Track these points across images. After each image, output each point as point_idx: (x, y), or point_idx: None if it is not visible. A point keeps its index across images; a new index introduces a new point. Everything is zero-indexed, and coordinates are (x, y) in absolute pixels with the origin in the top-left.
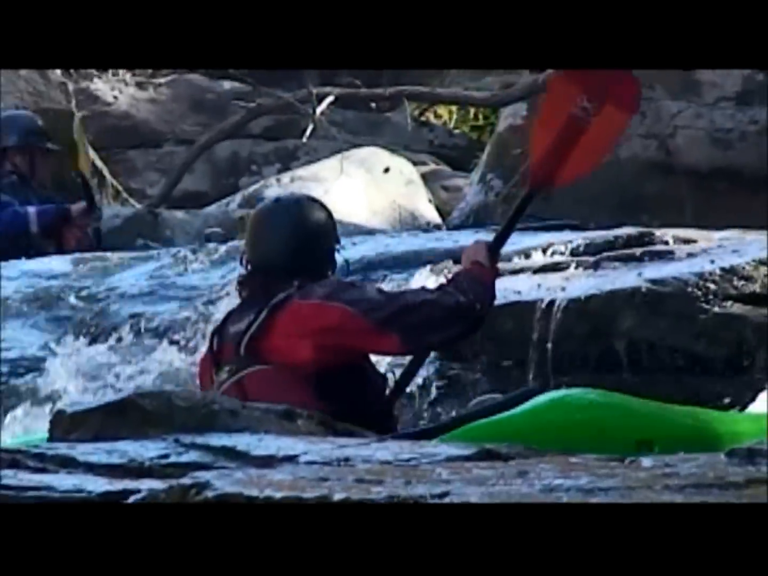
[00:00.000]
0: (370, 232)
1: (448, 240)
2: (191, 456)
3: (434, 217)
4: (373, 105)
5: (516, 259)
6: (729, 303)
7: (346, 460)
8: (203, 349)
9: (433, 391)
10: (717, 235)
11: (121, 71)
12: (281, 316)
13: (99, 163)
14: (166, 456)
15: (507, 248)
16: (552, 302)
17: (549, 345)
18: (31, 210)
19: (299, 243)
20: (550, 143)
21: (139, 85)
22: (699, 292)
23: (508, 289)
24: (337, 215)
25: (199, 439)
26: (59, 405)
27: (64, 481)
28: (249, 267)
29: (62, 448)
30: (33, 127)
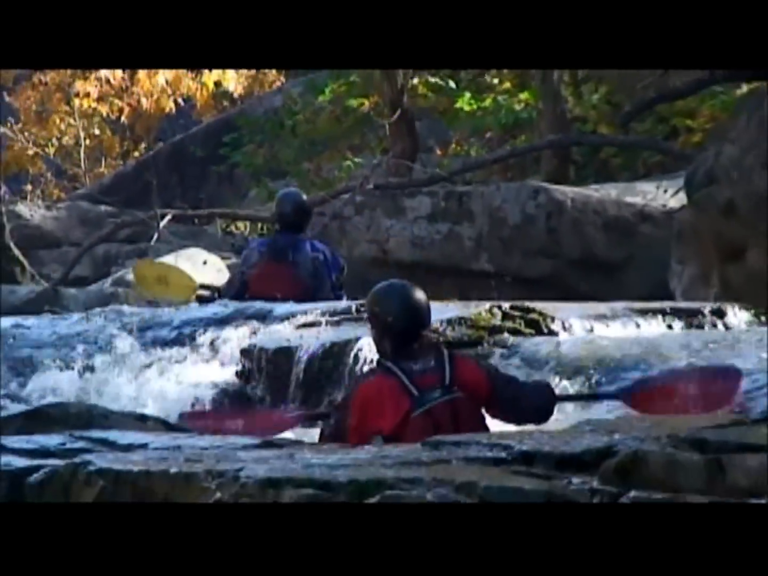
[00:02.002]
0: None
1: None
2: (80, 444)
3: None
4: (196, 221)
5: (286, 322)
6: None
7: (178, 447)
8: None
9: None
10: None
11: (37, 194)
12: (459, 362)
13: (22, 258)
14: (63, 444)
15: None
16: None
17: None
18: None
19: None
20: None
21: (47, 208)
22: None
23: (281, 338)
24: (181, 278)
25: (85, 434)
26: None
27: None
28: (394, 328)
29: None
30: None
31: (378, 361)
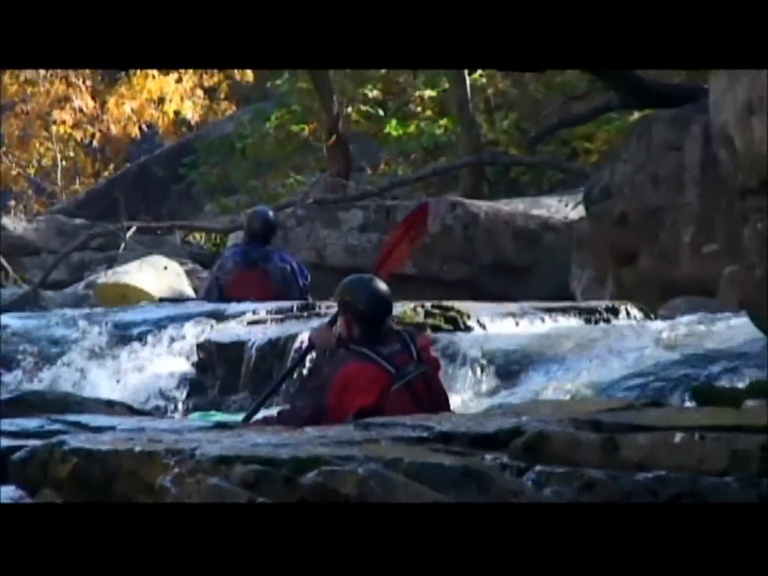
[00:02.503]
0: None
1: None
2: (56, 426)
3: (191, 293)
4: (159, 232)
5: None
6: None
7: (141, 429)
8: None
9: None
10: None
11: (20, 209)
12: (419, 341)
13: (6, 264)
14: (42, 426)
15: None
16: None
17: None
18: None
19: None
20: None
21: (28, 221)
22: None
23: (233, 333)
24: (141, 288)
25: (60, 418)
26: None
27: None
28: (363, 315)
29: None
30: None
31: (350, 349)
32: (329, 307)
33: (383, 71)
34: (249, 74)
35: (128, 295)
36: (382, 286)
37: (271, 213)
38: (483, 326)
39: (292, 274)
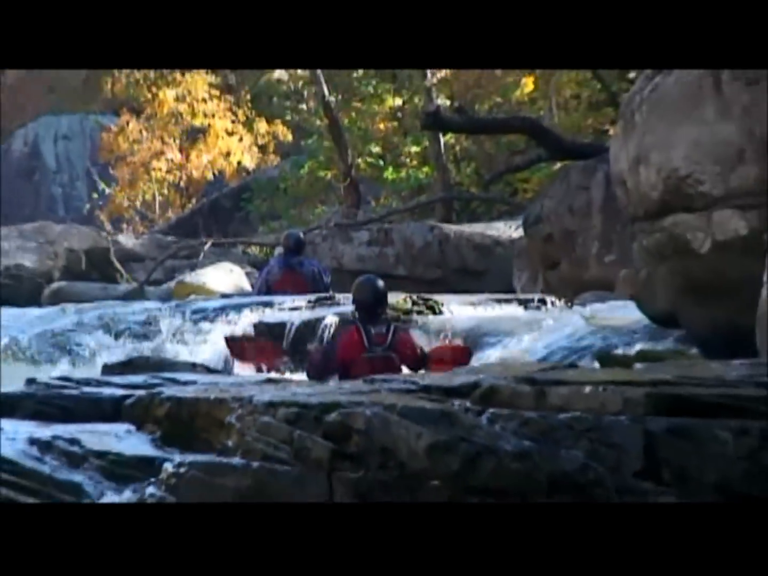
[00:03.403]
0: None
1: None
2: (156, 381)
3: (249, 289)
4: (226, 246)
5: (281, 306)
6: None
7: (215, 383)
8: (348, 331)
9: None
10: None
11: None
12: (400, 336)
13: (120, 268)
14: (146, 381)
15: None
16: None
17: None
18: None
19: (385, 298)
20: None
21: (136, 238)
22: None
23: (278, 316)
24: (214, 285)
25: (158, 375)
26: None
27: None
28: (363, 306)
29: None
30: None
31: (356, 319)
32: (345, 299)
33: (383, 133)
34: (289, 135)
35: (195, 292)
36: (378, 284)
37: (301, 234)
38: (451, 311)
39: (318, 275)
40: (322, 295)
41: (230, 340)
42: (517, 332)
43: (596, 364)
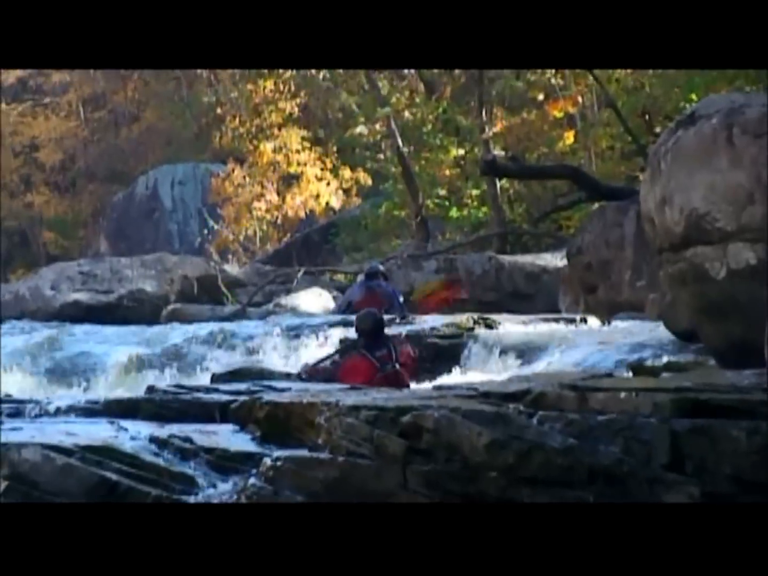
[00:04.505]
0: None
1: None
2: (257, 387)
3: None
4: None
5: None
6: None
7: (306, 389)
8: (352, 359)
9: None
10: None
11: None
12: (401, 350)
13: (227, 292)
14: (248, 387)
15: None
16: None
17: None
18: None
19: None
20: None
21: (240, 266)
22: None
23: None
24: (305, 307)
25: (259, 382)
26: None
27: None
28: (366, 334)
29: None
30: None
31: (357, 349)
32: (417, 319)
33: (448, 179)
34: (369, 180)
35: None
36: (372, 317)
37: (380, 266)
38: (506, 329)
39: (394, 297)
40: (399, 315)
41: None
42: (562, 346)
43: (629, 374)
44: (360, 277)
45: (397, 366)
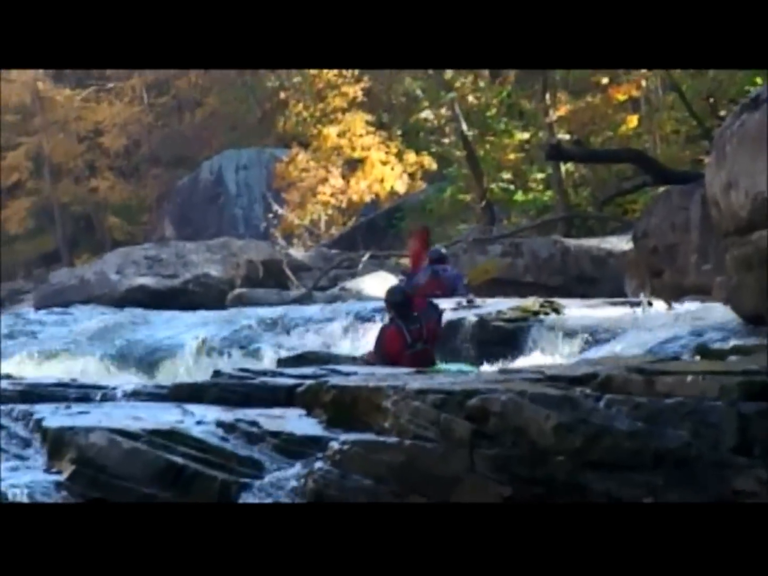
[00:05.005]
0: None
1: None
2: (322, 372)
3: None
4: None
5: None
6: None
7: (372, 373)
8: (390, 329)
9: None
10: None
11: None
12: (428, 326)
13: (292, 277)
14: (314, 372)
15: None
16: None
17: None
18: None
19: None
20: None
21: (305, 250)
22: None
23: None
24: (370, 291)
25: (325, 366)
26: None
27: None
28: (396, 308)
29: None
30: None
31: (393, 319)
32: (483, 303)
33: (512, 163)
34: (434, 165)
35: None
36: (399, 290)
37: (443, 249)
38: (572, 312)
39: (458, 281)
40: (466, 299)
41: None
42: (628, 330)
43: (696, 357)
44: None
45: (427, 345)
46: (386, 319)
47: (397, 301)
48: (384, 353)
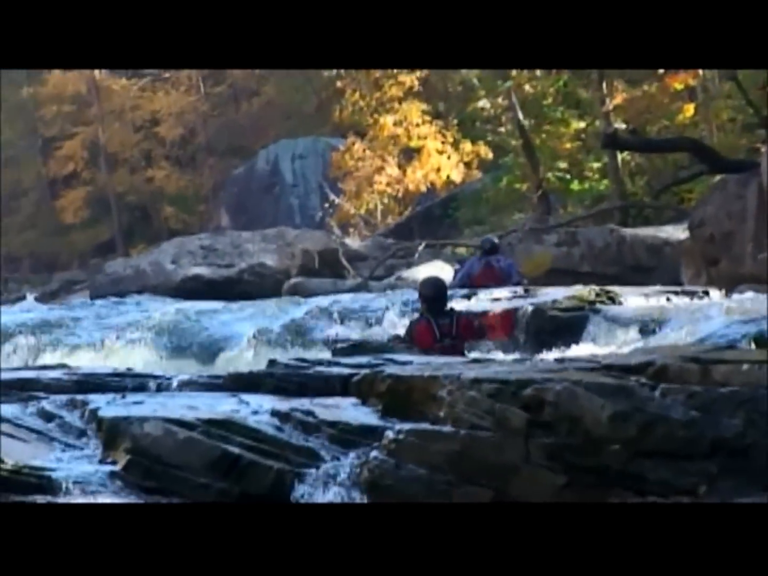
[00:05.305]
0: None
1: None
2: (378, 360)
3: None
4: (436, 247)
5: (482, 297)
6: None
7: (428, 362)
8: (419, 323)
9: None
10: None
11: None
12: (462, 321)
13: (348, 266)
14: (369, 360)
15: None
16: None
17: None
18: None
19: (446, 292)
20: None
21: (360, 240)
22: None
23: (481, 305)
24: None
25: (380, 355)
26: None
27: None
28: (428, 301)
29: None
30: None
31: (422, 314)
32: (537, 290)
33: (568, 152)
34: (490, 154)
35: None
36: (438, 282)
37: (495, 238)
38: (628, 302)
39: (512, 271)
40: (522, 288)
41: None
42: (685, 318)
43: (752, 346)
44: (476, 252)
45: (456, 340)
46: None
47: (429, 294)
48: (415, 345)
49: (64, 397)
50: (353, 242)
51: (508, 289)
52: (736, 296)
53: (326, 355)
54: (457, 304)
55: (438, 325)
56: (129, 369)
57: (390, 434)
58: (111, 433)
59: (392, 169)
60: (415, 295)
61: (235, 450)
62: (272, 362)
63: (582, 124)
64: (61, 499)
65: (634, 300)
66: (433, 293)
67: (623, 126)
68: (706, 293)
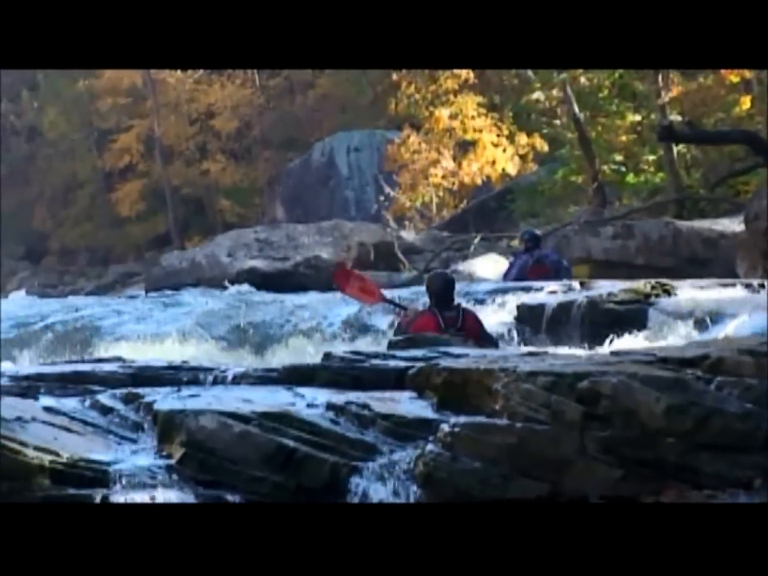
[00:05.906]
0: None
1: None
2: (433, 354)
3: None
4: (492, 239)
5: (538, 291)
6: None
7: (484, 355)
8: (424, 315)
9: None
10: None
11: (411, 226)
12: (467, 315)
13: (403, 259)
14: (425, 354)
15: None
16: (550, 304)
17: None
18: None
19: (453, 287)
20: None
21: (416, 234)
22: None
23: (537, 298)
24: (482, 273)
25: (434, 348)
26: None
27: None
28: (436, 294)
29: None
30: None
31: (431, 305)
32: (593, 282)
33: (624, 144)
34: (545, 146)
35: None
36: (446, 277)
37: (537, 231)
38: (683, 294)
39: (560, 265)
40: (578, 281)
41: (338, 268)
42: (740, 311)
43: None
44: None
45: (460, 333)
46: (503, 303)
47: (436, 288)
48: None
49: (119, 391)
50: (408, 235)
51: (562, 282)
52: None
53: (382, 348)
54: (515, 297)
55: (444, 317)
56: (184, 362)
57: (445, 427)
58: (166, 426)
59: (448, 162)
60: (470, 288)
61: (291, 443)
62: (327, 355)
63: (637, 117)
64: (117, 493)
65: (689, 293)
66: (441, 287)
67: (679, 118)
68: (762, 286)
